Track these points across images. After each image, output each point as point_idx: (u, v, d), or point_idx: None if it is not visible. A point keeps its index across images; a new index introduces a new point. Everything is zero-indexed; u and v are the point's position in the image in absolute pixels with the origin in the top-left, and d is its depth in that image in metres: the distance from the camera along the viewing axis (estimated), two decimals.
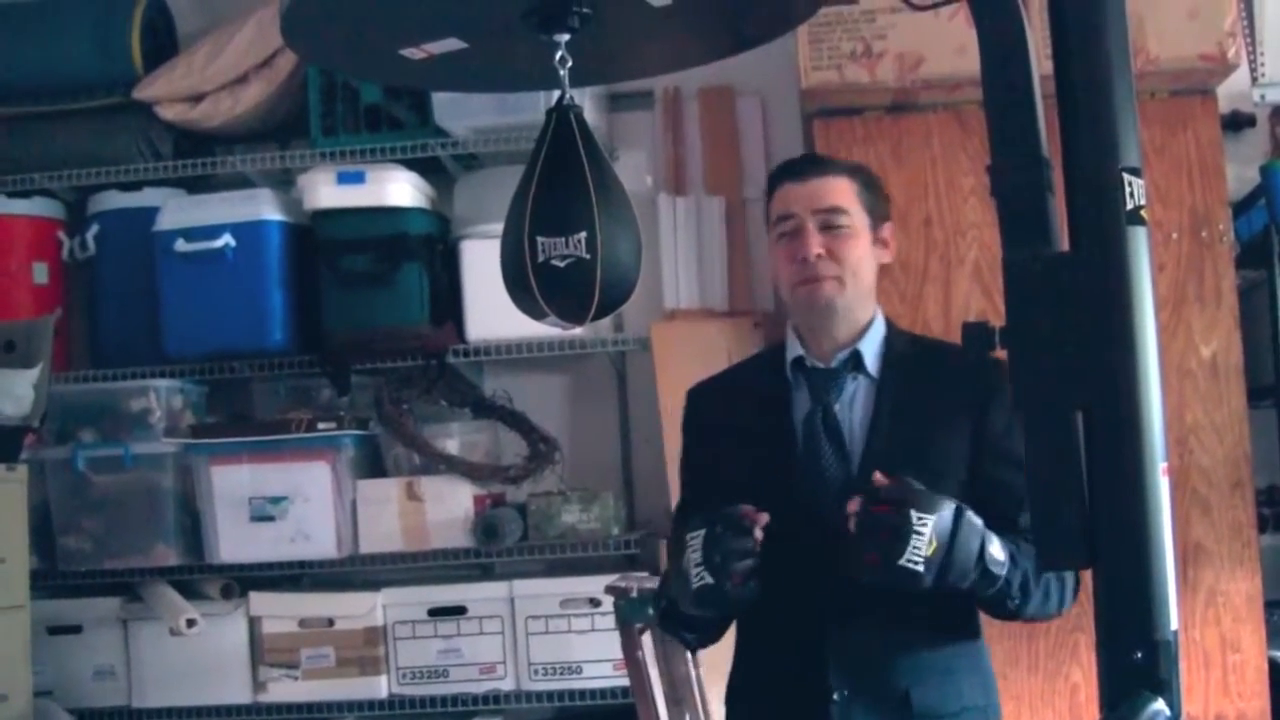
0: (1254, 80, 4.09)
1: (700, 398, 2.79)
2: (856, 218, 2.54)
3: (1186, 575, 3.61)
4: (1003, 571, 2.29)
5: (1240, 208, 3.95)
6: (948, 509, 2.25)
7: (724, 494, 2.44)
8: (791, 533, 2.40)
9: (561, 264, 1.85)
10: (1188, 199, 3.73)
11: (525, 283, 1.86)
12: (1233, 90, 3.95)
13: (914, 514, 2.22)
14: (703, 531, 2.35)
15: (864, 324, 2.59)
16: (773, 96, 4.33)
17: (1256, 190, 3.91)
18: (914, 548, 2.21)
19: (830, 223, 2.52)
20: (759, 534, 2.35)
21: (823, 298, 2.52)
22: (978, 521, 2.27)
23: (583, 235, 1.84)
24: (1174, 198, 3.71)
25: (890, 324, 2.64)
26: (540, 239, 1.85)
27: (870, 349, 2.58)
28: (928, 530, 2.21)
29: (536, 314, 1.92)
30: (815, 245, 2.50)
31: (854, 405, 2.55)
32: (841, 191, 2.55)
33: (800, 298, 2.55)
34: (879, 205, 2.60)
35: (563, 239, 1.84)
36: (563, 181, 1.84)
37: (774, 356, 2.67)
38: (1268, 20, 4.10)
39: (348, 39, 1.93)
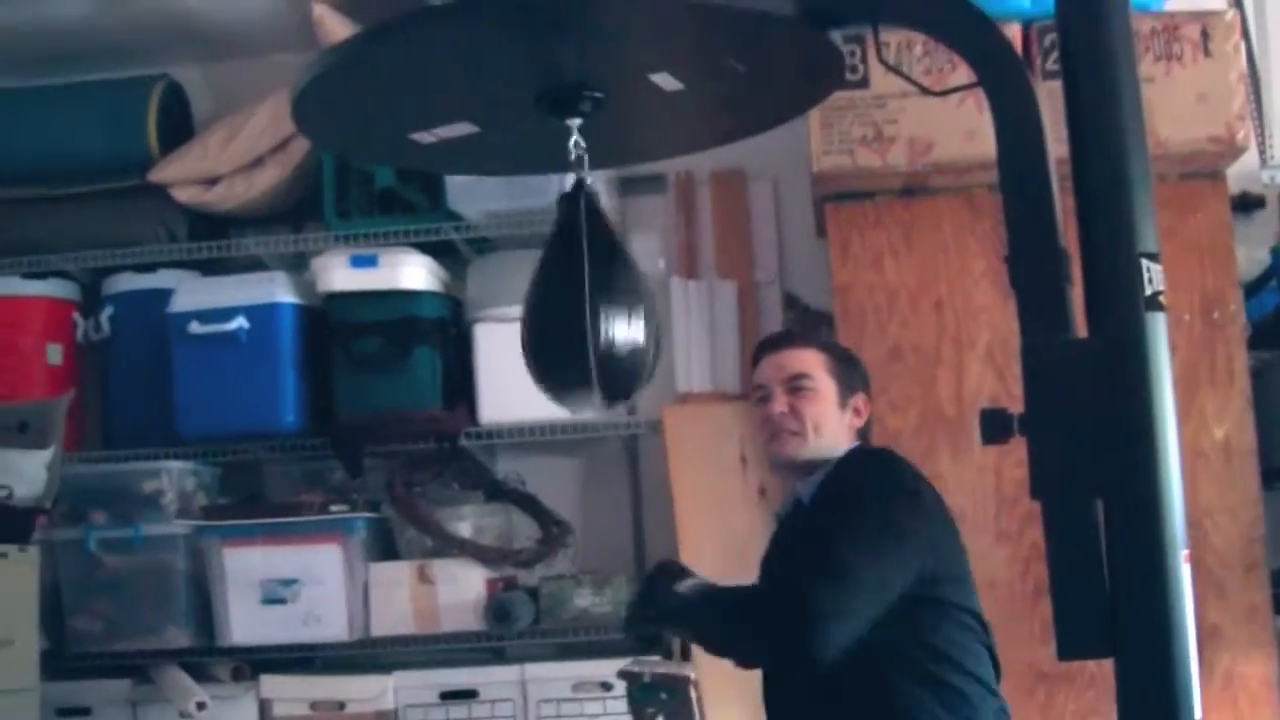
0: (1263, 162, 4.11)
1: None
2: (821, 382, 2.83)
3: (1202, 658, 3.58)
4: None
5: (1251, 289, 3.95)
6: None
7: None
8: None
9: (623, 351, 1.89)
10: (1199, 281, 3.73)
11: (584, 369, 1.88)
12: (1242, 172, 3.95)
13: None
14: None
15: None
16: (784, 180, 4.35)
17: (1267, 271, 3.92)
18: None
19: (795, 386, 2.81)
20: None
21: (784, 451, 2.82)
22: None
23: (639, 322, 1.86)
24: (1185, 280, 3.72)
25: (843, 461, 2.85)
26: (602, 324, 1.87)
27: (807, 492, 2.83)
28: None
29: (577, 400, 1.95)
30: (779, 405, 2.81)
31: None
32: (807, 361, 2.85)
33: (770, 452, 2.88)
34: (851, 379, 2.89)
35: (623, 324, 1.87)
36: (606, 266, 1.86)
37: None
38: (1275, 102, 4.13)
39: (359, 123, 1.95)
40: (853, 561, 2.47)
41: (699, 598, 2.66)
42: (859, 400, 2.89)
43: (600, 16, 1.64)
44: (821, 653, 2.42)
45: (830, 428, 2.82)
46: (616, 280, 1.95)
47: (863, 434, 2.89)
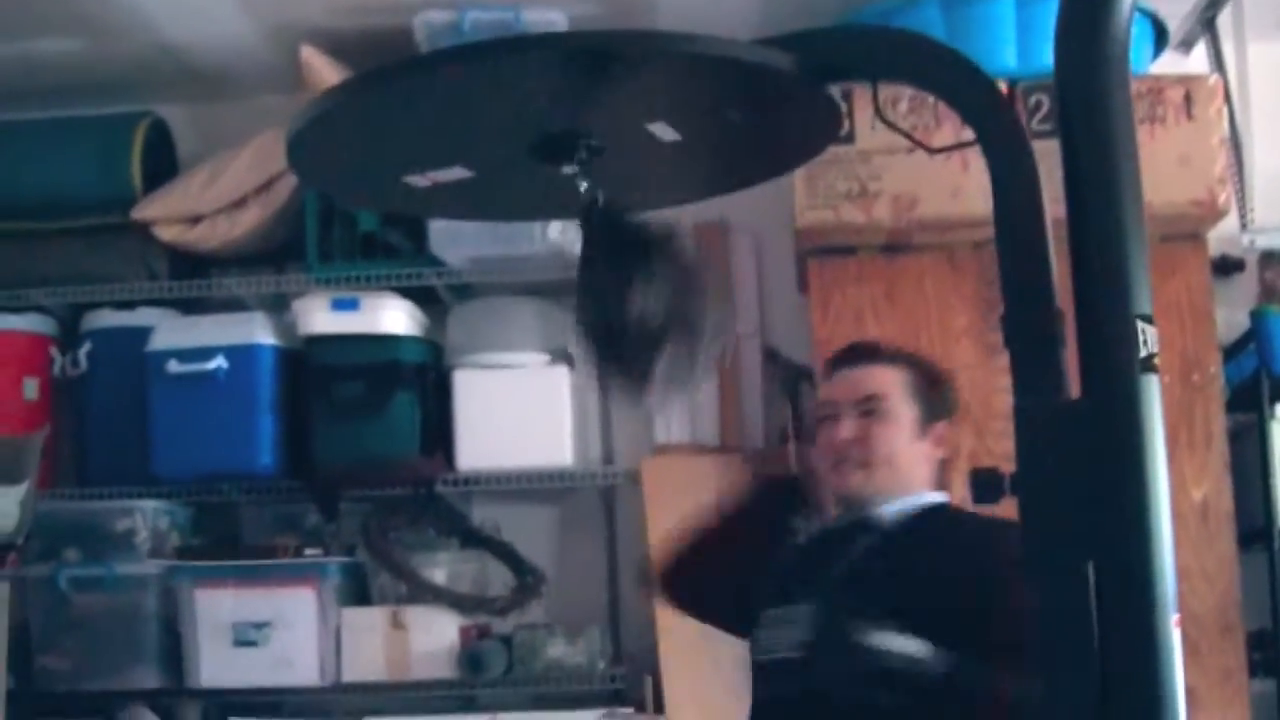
0: (1243, 226, 4.14)
1: None
2: (897, 406, 2.53)
3: None
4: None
5: (1230, 352, 3.97)
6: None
7: None
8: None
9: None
10: (1178, 343, 3.75)
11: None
12: (1222, 235, 3.99)
13: None
14: None
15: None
16: (767, 234, 4.35)
17: (1246, 335, 3.94)
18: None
19: (866, 409, 2.53)
20: None
21: (847, 485, 2.55)
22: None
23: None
24: (1165, 342, 3.65)
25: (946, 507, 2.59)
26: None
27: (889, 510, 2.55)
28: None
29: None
30: (845, 430, 2.53)
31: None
32: (884, 380, 2.56)
33: (830, 484, 2.59)
34: (935, 402, 2.58)
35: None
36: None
37: None
38: (1256, 166, 4.15)
39: (353, 167, 1.95)
40: None
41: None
42: (941, 428, 2.59)
43: (601, 66, 1.64)
44: None
45: (904, 460, 2.54)
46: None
47: (943, 467, 2.60)
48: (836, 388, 2.59)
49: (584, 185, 1.79)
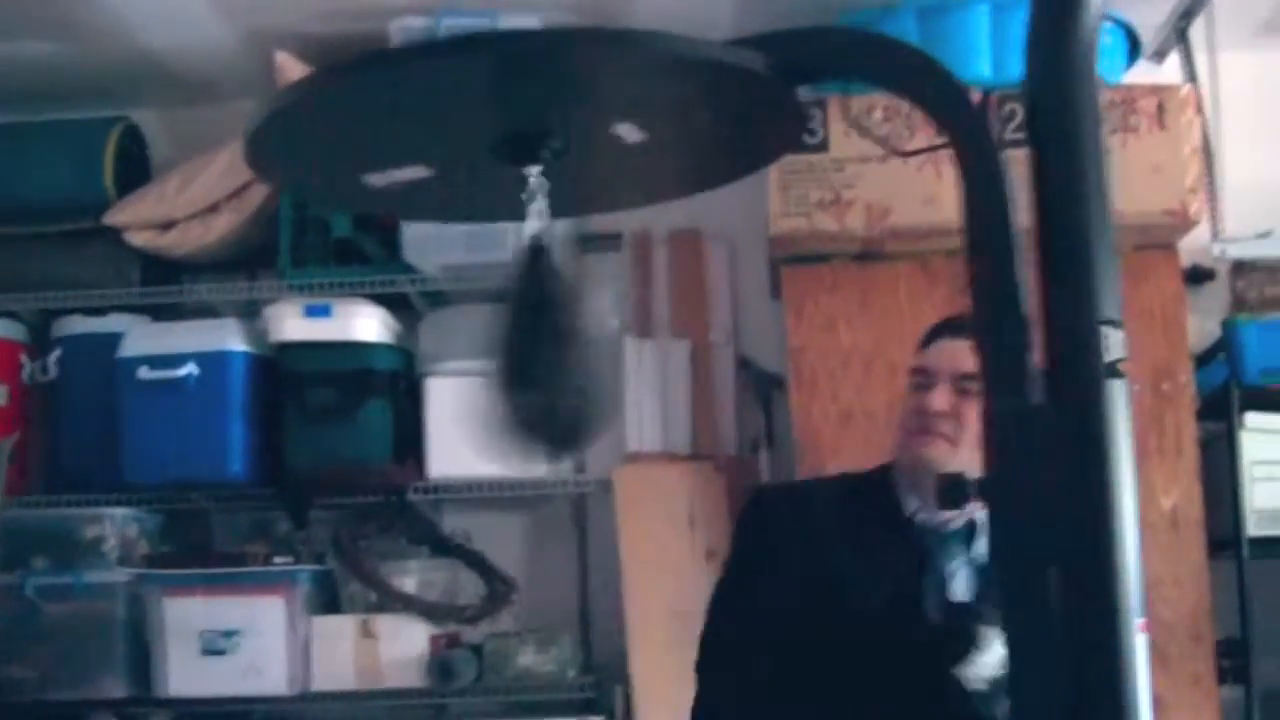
0: (1214, 235, 4.14)
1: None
2: None
3: None
4: None
5: (1201, 361, 3.98)
6: None
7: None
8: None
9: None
10: (1149, 352, 3.76)
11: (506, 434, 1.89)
12: (1194, 245, 4.00)
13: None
14: None
15: None
16: (741, 241, 4.35)
17: (1217, 344, 3.96)
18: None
19: (963, 387, 2.39)
20: None
21: (927, 453, 2.43)
22: None
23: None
24: (1136, 351, 3.65)
25: None
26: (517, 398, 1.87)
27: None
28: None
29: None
30: (939, 401, 2.42)
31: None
32: None
33: (909, 449, 2.48)
34: None
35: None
36: (537, 330, 1.85)
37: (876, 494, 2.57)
38: (1228, 176, 4.16)
39: (312, 164, 1.94)
40: None
41: None
42: None
43: (566, 66, 1.64)
44: None
45: None
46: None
47: None
48: (934, 357, 2.48)
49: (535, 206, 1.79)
